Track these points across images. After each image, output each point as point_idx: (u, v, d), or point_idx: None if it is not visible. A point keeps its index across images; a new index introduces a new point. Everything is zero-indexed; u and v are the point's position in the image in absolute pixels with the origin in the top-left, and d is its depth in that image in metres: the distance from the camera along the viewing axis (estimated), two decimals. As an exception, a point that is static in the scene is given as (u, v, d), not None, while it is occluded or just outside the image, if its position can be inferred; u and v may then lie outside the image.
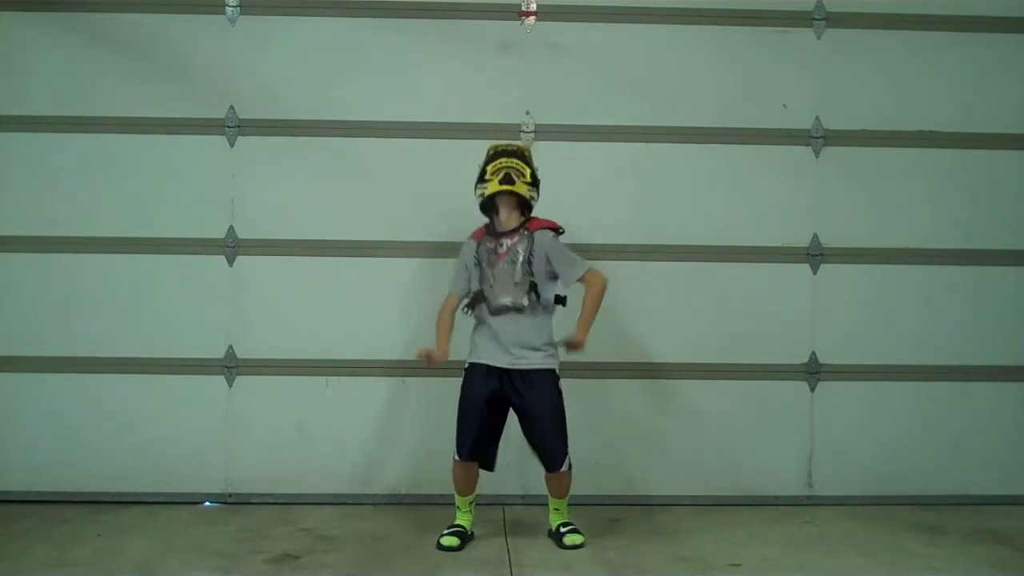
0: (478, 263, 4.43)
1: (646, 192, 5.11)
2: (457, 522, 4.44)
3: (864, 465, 5.17)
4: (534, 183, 4.42)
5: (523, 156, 4.43)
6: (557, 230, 4.47)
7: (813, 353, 5.16)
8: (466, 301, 4.48)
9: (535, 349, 4.37)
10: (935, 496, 5.16)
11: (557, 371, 4.41)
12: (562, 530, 4.42)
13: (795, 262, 5.15)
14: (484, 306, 4.41)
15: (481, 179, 4.42)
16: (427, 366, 4.38)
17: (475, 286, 4.45)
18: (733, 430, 5.13)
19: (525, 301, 4.36)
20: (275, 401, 5.06)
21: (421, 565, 4.17)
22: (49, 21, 5.00)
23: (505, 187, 4.34)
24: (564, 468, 4.36)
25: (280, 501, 5.02)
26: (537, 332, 4.39)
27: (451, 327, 4.47)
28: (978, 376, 5.20)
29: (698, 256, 5.11)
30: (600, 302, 4.39)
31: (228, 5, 5.02)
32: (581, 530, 4.43)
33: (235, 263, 5.06)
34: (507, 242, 4.41)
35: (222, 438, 5.05)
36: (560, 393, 4.39)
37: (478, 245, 4.46)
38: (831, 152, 5.14)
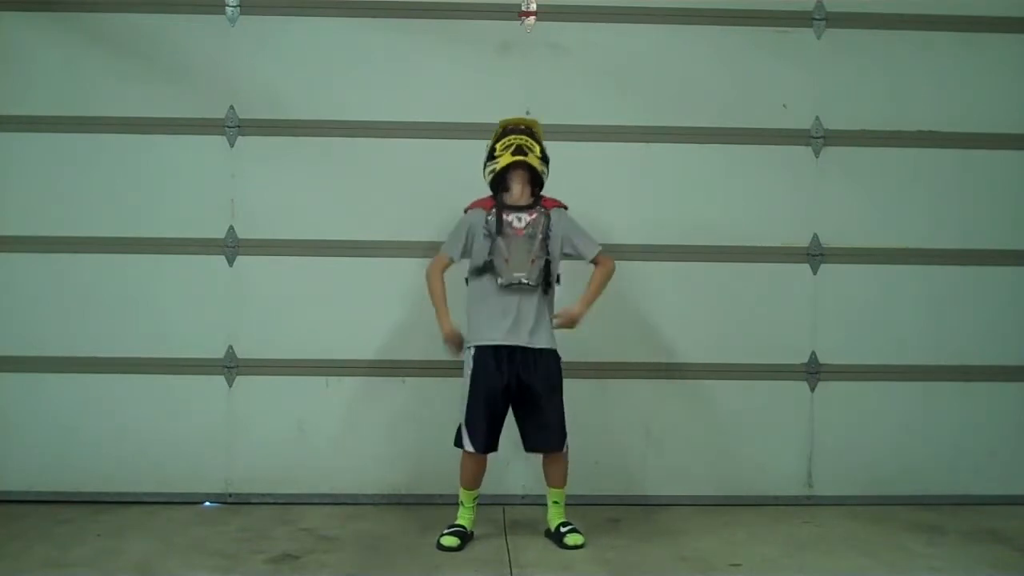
0: (489, 234, 4.36)
1: (646, 192, 5.11)
2: (458, 521, 4.44)
3: (864, 465, 5.17)
4: (544, 159, 4.43)
5: (532, 133, 4.44)
6: (565, 208, 4.50)
7: (813, 353, 5.16)
8: (470, 270, 4.43)
9: (543, 329, 4.38)
10: (935, 496, 5.16)
11: (555, 349, 4.42)
12: (562, 530, 4.42)
13: (795, 262, 5.14)
14: (489, 280, 4.35)
15: (491, 156, 4.42)
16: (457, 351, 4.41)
17: (479, 258, 4.39)
18: (733, 430, 5.13)
19: (537, 279, 4.34)
20: (275, 401, 5.06)
21: (421, 565, 4.17)
22: (49, 21, 5.00)
23: (518, 157, 4.33)
24: (566, 449, 4.40)
25: (280, 501, 5.02)
26: (546, 311, 4.40)
27: (444, 291, 4.43)
28: (978, 376, 5.20)
29: (698, 256, 5.11)
30: (605, 285, 4.45)
31: (228, 5, 5.02)
32: (581, 530, 4.43)
33: (235, 263, 5.06)
34: (525, 217, 4.38)
35: (222, 438, 5.05)
36: (560, 373, 4.41)
37: (488, 216, 4.39)
38: (831, 152, 5.14)
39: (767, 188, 5.13)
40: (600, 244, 4.50)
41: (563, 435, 4.39)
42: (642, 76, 5.11)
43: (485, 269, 4.36)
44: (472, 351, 4.38)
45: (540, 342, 4.36)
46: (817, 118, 5.13)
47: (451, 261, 4.48)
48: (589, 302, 4.42)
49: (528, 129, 4.45)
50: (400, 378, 5.07)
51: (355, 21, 5.06)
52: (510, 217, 4.37)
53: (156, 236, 5.03)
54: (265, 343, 5.06)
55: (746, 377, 5.13)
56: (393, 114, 5.04)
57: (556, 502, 4.49)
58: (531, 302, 4.35)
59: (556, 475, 4.46)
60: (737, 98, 5.12)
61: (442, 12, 5.06)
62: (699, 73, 5.12)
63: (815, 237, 5.15)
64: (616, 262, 4.51)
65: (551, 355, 4.40)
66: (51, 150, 5.01)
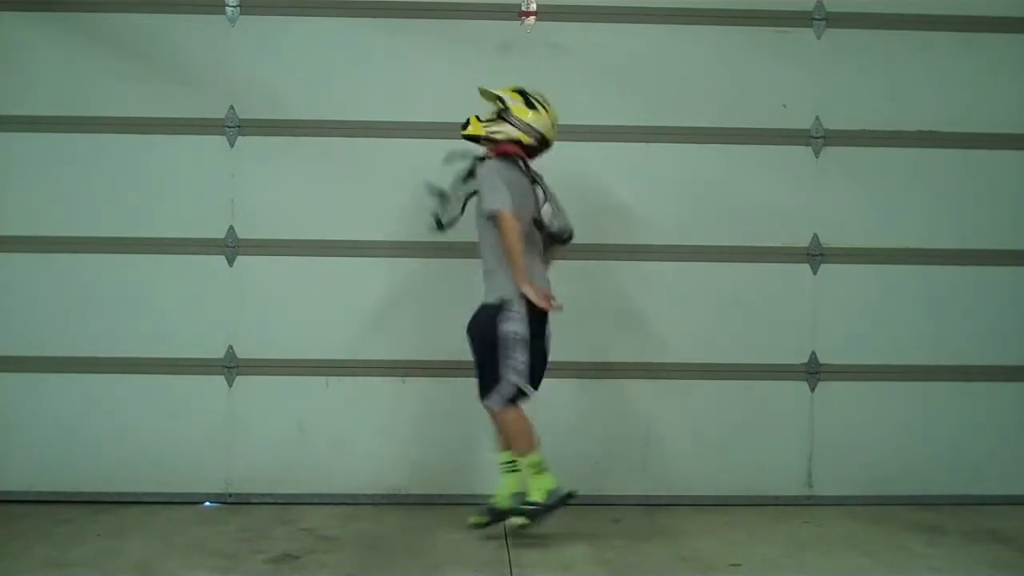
0: None
1: (646, 192, 5.11)
2: (547, 487, 4.27)
3: (864, 465, 5.17)
4: (506, 116, 4.40)
5: (498, 96, 4.45)
6: (510, 154, 4.40)
7: (813, 353, 5.16)
8: None
9: (488, 281, 4.38)
10: (935, 496, 5.16)
11: (497, 303, 4.29)
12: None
13: (795, 262, 5.15)
14: None
15: None
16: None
17: None
18: (733, 430, 5.13)
19: (451, 221, 4.46)
20: (275, 401, 5.06)
21: (421, 565, 4.17)
22: (49, 21, 5.00)
23: (463, 132, 4.44)
24: (491, 402, 4.32)
25: (280, 501, 5.02)
26: (490, 263, 4.38)
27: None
28: (978, 376, 5.20)
29: (698, 256, 5.11)
30: (512, 248, 4.24)
31: (228, 5, 5.02)
32: (530, 514, 4.31)
33: (235, 263, 5.06)
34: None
35: (222, 438, 5.05)
36: (493, 326, 4.28)
37: None
38: (831, 152, 5.14)
39: (767, 188, 5.13)
40: (497, 205, 4.24)
41: (485, 386, 4.31)
42: (642, 76, 5.11)
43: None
44: None
45: (485, 294, 4.38)
46: (817, 118, 5.13)
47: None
48: (518, 276, 4.25)
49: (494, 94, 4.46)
50: (400, 378, 5.07)
51: (355, 21, 5.07)
52: None
53: (156, 236, 5.03)
54: (265, 343, 5.06)
55: (746, 377, 5.13)
56: (393, 114, 5.05)
57: (509, 468, 4.40)
58: (482, 253, 4.40)
59: (498, 431, 4.43)
60: (737, 98, 5.12)
61: (442, 12, 5.06)
62: (699, 73, 5.12)
63: (815, 237, 5.15)
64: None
65: (486, 308, 4.34)
66: (51, 150, 5.01)
